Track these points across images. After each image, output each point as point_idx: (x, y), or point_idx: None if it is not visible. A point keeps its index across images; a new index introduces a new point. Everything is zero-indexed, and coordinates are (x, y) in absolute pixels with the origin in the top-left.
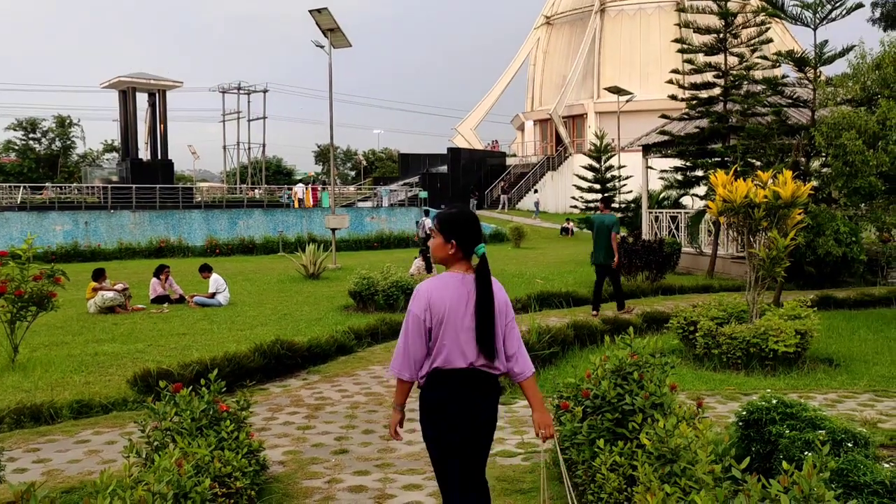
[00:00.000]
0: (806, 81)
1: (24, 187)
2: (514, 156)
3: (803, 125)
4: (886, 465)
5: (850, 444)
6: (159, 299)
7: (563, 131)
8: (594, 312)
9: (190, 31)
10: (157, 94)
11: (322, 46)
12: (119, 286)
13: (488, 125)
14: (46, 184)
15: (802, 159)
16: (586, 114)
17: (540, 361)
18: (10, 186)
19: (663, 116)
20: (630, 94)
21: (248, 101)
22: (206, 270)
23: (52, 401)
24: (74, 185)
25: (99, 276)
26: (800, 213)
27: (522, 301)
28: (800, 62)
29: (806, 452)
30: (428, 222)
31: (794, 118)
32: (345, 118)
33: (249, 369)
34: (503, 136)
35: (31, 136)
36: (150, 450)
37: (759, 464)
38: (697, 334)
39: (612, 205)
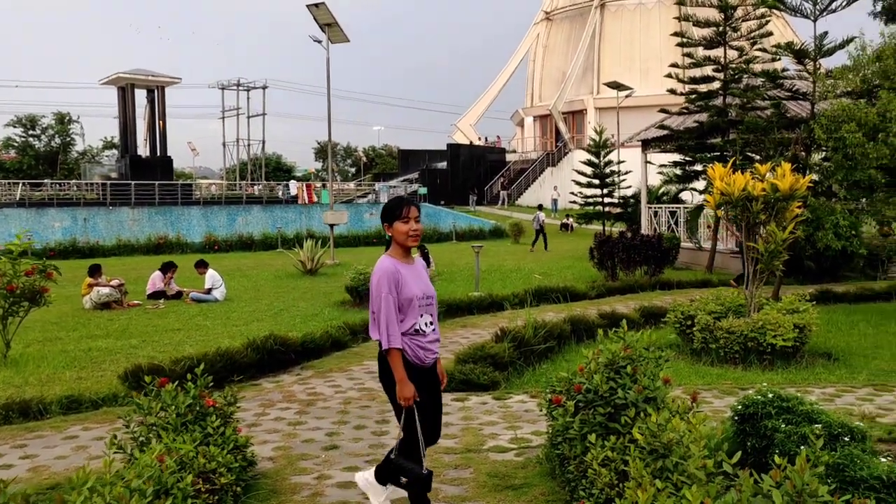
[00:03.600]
0: (806, 74)
1: (24, 184)
2: (514, 152)
3: (803, 118)
4: (884, 460)
5: (847, 439)
6: (156, 295)
7: (562, 127)
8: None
9: (190, 27)
10: (155, 91)
11: (320, 42)
12: (115, 282)
13: (488, 121)
14: (45, 180)
15: (802, 153)
16: (586, 109)
17: (536, 356)
18: (9, 183)
19: (662, 111)
20: (630, 89)
21: (248, 98)
22: (202, 266)
23: (41, 396)
24: (73, 181)
25: (95, 272)
26: (798, 207)
27: (520, 296)
28: (799, 54)
29: (801, 447)
30: (542, 216)
31: (794, 111)
32: (345, 115)
33: (242, 365)
34: (503, 131)
35: (30, 133)
36: (135, 446)
37: (754, 458)
38: (695, 329)
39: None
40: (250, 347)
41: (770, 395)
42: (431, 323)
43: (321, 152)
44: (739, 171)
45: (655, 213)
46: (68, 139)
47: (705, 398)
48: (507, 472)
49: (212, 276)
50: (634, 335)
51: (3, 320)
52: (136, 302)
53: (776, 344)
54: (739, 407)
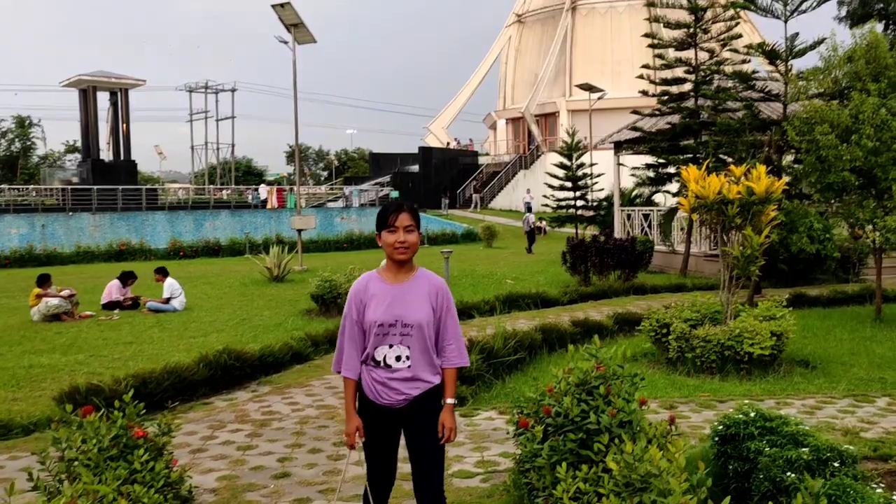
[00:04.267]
0: (777, 75)
1: None
2: (487, 154)
3: (775, 120)
4: (878, 490)
5: (836, 464)
6: (111, 305)
7: (535, 129)
8: None
9: (155, 29)
10: (118, 93)
11: (286, 42)
12: (65, 292)
13: (460, 124)
14: (3, 186)
15: (775, 155)
16: (558, 112)
17: (506, 368)
18: None
19: (634, 112)
20: (601, 91)
21: (217, 101)
22: (160, 274)
23: None
24: (32, 186)
25: (44, 282)
26: (774, 210)
27: (490, 303)
28: (771, 55)
29: (788, 473)
30: (532, 218)
31: (766, 113)
32: (318, 118)
33: (193, 382)
34: (475, 134)
35: None
36: (54, 484)
37: (736, 483)
38: (670, 337)
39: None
40: (202, 363)
41: (752, 414)
42: (406, 358)
43: (293, 156)
44: (714, 174)
45: (629, 216)
46: (29, 143)
47: (682, 412)
48: (471, 501)
49: (170, 285)
50: (608, 351)
51: None
52: (88, 313)
53: (753, 353)
54: (720, 427)
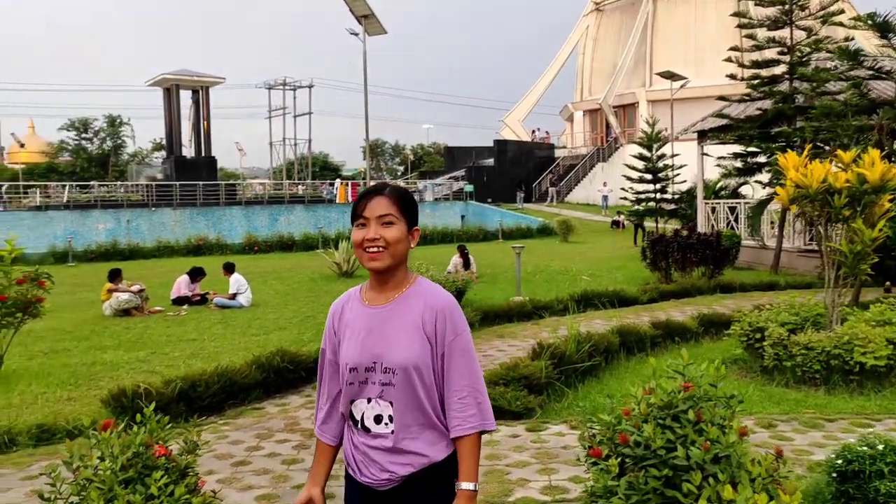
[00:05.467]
0: (891, 50)
1: (72, 186)
2: (563, 147)
3: (887, 100)
4: None
5: None
6: (180, 300)
7: (613, 121)
8: None
9: (236, 28)
10: (199, 91)
11: (356, 34)
12: (135, 287)
13: (536, 117)
14: (92, 182)
15: (886, 139)
16: (638, 102)
17: (578, 375)
18: (57, 185)
19: (721, 99)
20: (684, 78)
21: (295, 97)
22: (227, 270)
23: (10, 425)
24: (119, 183)
25: (115, 276)
26: (890, 200)
27: (563, 302)
28: (883, 27)
29: None
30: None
31: (878, 91)
32: (394, 113)
33: (244, 385)
34: (551, 126)
35: (83, 136)
36: None
37: None
38: (766, 343)
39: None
40: (255, 365)
41: (881, 447)
42: (389, 420)
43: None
44: (817, 160)
45: (713, 209)
46: (119, 141)
47: (783, 432)
48: None
49: (236, 281)
50: (696, 368)
51: None
52: (157, 308)
53: (866, 363)
54: (839, 462)
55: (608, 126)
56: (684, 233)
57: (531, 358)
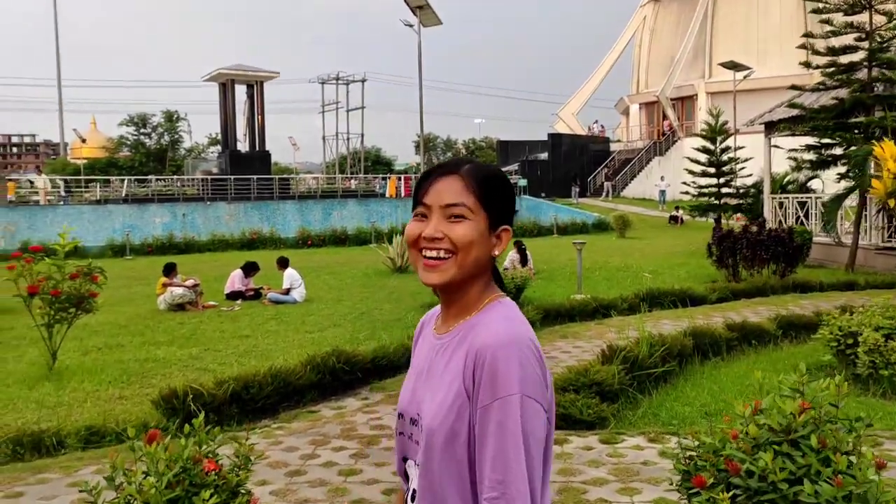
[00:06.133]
0: None
1: (130, 180)
2: (619, 141)
3: None
4: None
5: None
6: (234, 295)
7: (671, 114)
8: None
9: (288, 23)
10: (254, 86)
11: (411, 25)
12: (190, 282)
13: (590, 110)
14: (150, 176)
15: None
16: (696, 95)
17: (653, 381)
18: (116, 180)
19: (793, 88)
20: (748, 69)
21: (347, 92)
22: (282, 264)
23: (59, 427)
24: (176, 177)
25: (170, 271)
26: None
27: (629, 300)
28: None
29: None
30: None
31: None
32: (446, 107)
33: (298, 387)
34: (606, 119)
35: (141, 131)
36: None
37: None
38: (859, 349)
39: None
40: (309, 366)
41: None
42: (412, 498)
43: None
44: None
45: (780, 204)
46: (176, 136)
47: (888, 450)
48: None
49: (290, 276)
50: (818, 384)
51: (48, 328)
52: (211, 303)
53: None
54: None
55: (665, 119)
56: (754, 228)
57: (601, 362)
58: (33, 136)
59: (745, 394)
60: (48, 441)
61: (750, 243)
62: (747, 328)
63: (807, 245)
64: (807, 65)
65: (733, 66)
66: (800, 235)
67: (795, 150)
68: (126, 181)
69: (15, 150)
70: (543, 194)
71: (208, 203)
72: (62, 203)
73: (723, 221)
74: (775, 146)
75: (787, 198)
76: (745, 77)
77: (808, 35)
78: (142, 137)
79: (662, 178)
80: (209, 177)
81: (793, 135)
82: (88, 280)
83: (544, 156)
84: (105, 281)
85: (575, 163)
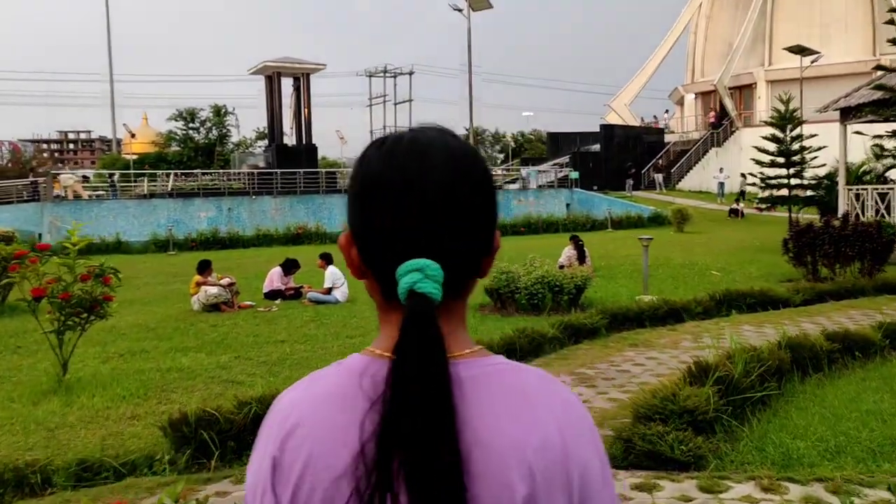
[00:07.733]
0: None
1: (176, 174)
2: (673, 132)
3: None
4: None
5: None
6: (272, 294)
7: (728, 103)
8: None
9: (335, 16)
10: (301, 79)
11: (460, 10)
12: (225, 280)
13: (643, 101)
14: (196, 170)
15: None
16: (755, 83)
17: (751, 405)
18: (162, 174)
19: (879, 68)
20: (816, 53)
21: (395, 84)
22: (324, 259)
23: (47, 460)
24: (222, 171)
25: (204, 269)
26: None
27: (702, 302)
28: None
29: None
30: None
31: None
32: (494, 98)
33: None
34: (659, 110)
35: (190, 125)
36: None
37: None
38: None
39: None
40: None
41: None
42: None
43: (467, 138)
44: None
45: (857, 196)
46: (225, 131)
47: None
48: None
49: (332, 274)
50: None
51: (59, 335)
52: (248, 303)
53: None
54: None
55: (722, 109)
56: (836, 222)
57: (688, 381)
58: (88, 132)
59: (867, 424)
60: (33, 478)
61: (833, 238)
62: (851, 338)
63: (893, 241)
64: (894, 41)
65: (800, 50)
66: (888, 230)
67: (880, 135)
68: (172, 175)
69: (71, 146)
70: (595, 187)
71: (254, 197)
72: (112, 198)
73: (792, 215)
74: (858, 132)
75: (866, 189)
76: (812, 62)
77: (893, 10)
78: (190, 132)
79: (721, 170)
80: (255, 171)
81: (870, 122)
82: (100, 283)
83: (596, 148)
84: (118, 283)
85: (628, 154)
